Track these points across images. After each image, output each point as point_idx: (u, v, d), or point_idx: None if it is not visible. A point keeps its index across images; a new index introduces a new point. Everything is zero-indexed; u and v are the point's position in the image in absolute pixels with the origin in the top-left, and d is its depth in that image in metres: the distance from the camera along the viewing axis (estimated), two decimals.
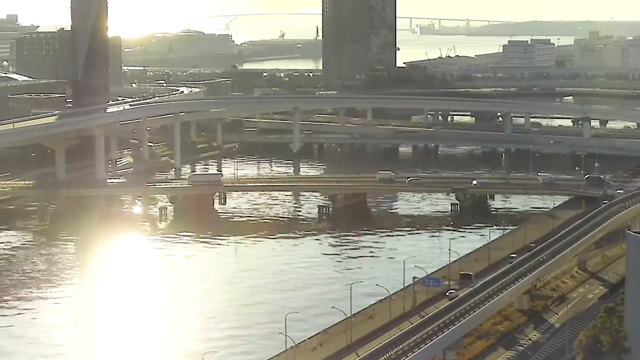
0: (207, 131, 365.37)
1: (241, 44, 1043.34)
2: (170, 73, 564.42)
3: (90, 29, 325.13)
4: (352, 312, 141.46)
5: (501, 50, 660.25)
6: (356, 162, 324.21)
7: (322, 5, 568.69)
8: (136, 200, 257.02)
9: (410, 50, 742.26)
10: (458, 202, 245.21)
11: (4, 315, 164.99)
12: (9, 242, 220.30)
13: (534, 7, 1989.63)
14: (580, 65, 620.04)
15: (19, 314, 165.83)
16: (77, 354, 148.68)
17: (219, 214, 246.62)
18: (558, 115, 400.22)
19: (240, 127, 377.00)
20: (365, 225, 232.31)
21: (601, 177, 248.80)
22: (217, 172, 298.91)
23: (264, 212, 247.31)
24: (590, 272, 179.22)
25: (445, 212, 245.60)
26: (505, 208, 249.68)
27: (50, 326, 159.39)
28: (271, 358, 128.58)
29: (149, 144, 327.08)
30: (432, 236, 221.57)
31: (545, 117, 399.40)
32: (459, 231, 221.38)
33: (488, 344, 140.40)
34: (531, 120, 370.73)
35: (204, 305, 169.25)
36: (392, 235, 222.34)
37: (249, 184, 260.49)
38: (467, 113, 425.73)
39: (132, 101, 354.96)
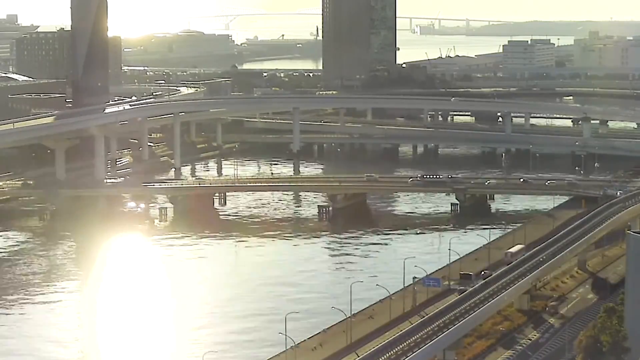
0: (207, 131, 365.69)
1: (241, 44, 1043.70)
2: (170, 73, 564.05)
3: (90, 29, 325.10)
4: (352, 312, 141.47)
5: (501, 50, 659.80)
6: (356, 162, 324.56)
7: (322, 6, 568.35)
8: (136, 201, 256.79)
9: (410, 50, 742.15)
10: (458, 202, 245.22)
11: (3, 314, 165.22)
12: (9, 241, 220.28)
13: (534, 7, 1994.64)
14: (580, 65, 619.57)
15: (19, 312, 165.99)
16: (77, 353, 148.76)
17: (219, 214, 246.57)
18: (558, 115, 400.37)
19: (240, 127, 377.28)
20: (365, 225, 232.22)
21: None
22: None
23: (264, 212, 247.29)
24: (590, 272, 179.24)
25: (445, 212, 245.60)
26: (505, 208, 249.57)
27: (50, 325, 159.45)
28: (271, 358, 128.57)
29: (148, 144, 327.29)
30: (432, 236, 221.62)
31: (545, 117, 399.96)
32: (459, 231, 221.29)
33: (488, 344, 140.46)
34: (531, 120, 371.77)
35: (203, 305, 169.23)
36: (392, 235, 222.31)
37: (249, 184, 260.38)
38: (467, 113, 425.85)
39: (132, 101, 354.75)
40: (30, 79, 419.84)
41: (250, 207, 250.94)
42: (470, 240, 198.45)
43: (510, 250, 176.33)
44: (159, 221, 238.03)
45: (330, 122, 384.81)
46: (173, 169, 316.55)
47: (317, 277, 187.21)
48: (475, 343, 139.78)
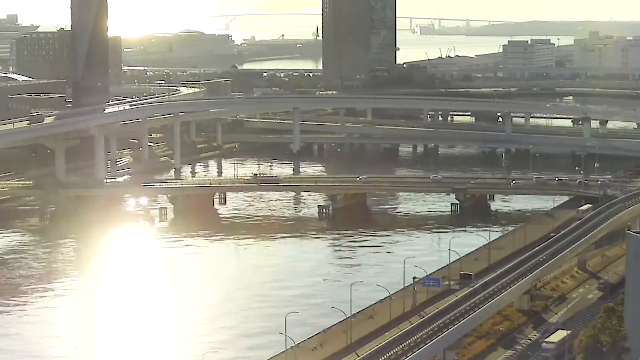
0: (207, 131, 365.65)
1: (241, 44, 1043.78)
2: (170, 73, 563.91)
3: (90, 29, 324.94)
4: (352, 312, 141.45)
5: (501, 50, 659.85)
6: (356, 162, 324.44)
7: (322, 6, 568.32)
8: (136, 201, 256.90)
9: (410, 50, 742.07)
10: (458, 202, 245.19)
11: (2, 314, 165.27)
12: (9, 241, 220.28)
13: (534, 7, 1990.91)
14: (580, 65, 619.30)
15: (18, 312, 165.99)
16: (78, 353, 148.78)
17: (219, 214, 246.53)
18: (558, 115, 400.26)
19: (240, 127, 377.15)
20: (365, 225, 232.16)
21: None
22: None
23: (263, 212, 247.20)
24: (590, 272, 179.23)
25: (445, 212, 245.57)
26: (505, 208, 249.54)
27: (51, 325, 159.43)
28: (271, 358, 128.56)
29: (148, 144, 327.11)
30: (432, 236, 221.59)
31: (545, 117, 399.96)
32: (459, 231, 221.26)
33: (488, 344, 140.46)
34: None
35: (203, 305, 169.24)
36: (392, 235, 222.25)
37: (249, 184, 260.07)
38: (467, 113, 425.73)
39: (132, 101, 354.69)
40: (30, 79, 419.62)
41: (250, 207, 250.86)
42: (470, 240, 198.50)
43: (581, 208, 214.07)
44: (159, 221, 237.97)
45: (330, 122, 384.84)
46: (173, 169, 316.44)
47: (317, 276, 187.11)
48: (475, 343, 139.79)
